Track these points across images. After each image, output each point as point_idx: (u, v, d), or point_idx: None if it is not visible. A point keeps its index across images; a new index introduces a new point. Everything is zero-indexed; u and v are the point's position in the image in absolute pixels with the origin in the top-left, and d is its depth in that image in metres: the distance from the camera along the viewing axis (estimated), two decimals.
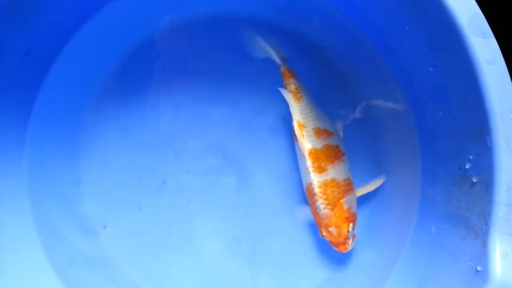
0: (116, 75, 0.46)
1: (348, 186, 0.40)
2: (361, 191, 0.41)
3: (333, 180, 0.39)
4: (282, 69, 0.42)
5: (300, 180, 0.43)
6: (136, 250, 0.47)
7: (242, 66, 0.46)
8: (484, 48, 0.29)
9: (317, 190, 0.39)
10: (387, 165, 0.44)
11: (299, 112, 0.40)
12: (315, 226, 0.42)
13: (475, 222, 0.31)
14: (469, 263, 0.31)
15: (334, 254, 0.44)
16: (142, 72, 0.46)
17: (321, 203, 0.39)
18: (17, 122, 0.44)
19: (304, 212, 0.43)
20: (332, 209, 0.39)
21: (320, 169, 0.39)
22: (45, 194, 0.46)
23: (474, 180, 0.32)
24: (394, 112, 0.43)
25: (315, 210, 0.40)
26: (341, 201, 0.39)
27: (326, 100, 0.44)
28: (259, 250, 0.46)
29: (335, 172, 0.40)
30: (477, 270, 0.30)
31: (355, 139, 0.44)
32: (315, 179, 0.39)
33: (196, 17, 0.46)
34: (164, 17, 0.45)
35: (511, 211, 0.29)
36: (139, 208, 0.47)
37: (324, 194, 0.39)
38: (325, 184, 0.39)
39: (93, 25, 0.44)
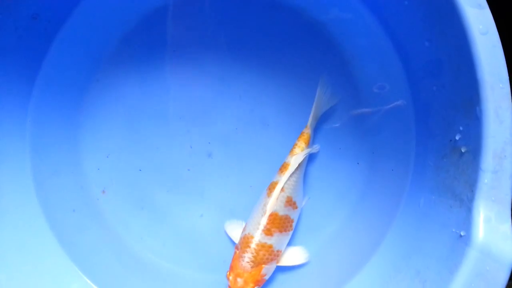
0: (122, 44, 0.47)
1: (276, 257, 0.43)
2: (281, 262, 0.43)
3: (270, 246, 0.42)
4: (306, 131, 0.44)
5: None
6: (133, 215, 0.48)
7: (254, 42, 0.47)
8: (478, 18, 0.30)
9: (253, 245, 0.41)
10: (381, 143, 0.44)
11: (287, 179, 0.42)
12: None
13: (461, 191, 0.32)
14: (453, 230, 0.32)
15: (325, 227, 0.46)
16: (148, 42, 0.47)
17: (248, 257, 0.41)
18: (22, 85, 0.45)
19: (233, 228, 0.45)
20: (252, 267, 0.41)
21: (268, 232, 0.42)
22: (46, 158, 0.47)
23: (462, 150, 0.33)
24: (392, 89, 0.43)
25: (238, 256, 0.42)
26: (264, 266, 0.41)
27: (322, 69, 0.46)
28: None
29: (277, 241, 0.42)
30: (461, 235, 0.31)
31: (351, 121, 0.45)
32: (259, 237, 0.42)
33: None
34: None
35: (496, 178, 0.30)
36: (140, 170, 0.48)
37: (256, 252, 0.41)
38: (262, 246, 0.41)
39: None
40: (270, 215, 0.42)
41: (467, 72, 0.31)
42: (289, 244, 0.45)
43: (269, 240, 0.42)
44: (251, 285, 0.41)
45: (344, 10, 0.44)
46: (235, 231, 0.45)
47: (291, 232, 0.43)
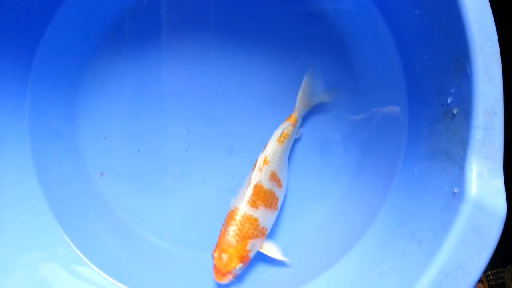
0: (119, 26, 0.47)
1: (262, 235, 0.42)
2: (266, 248, 0.43)
3: (256, 220, 0.42)
4: (294, 114, 0.45)
5: None
6: (132, 196, 0.48)
7: (249, 22, 0.47)
8: None
9: (238, 217, 0.41)
10: (375, 115, 0.45)
11: (272, 151, 0.43)
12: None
13: (454, 151, 0.33)
14: (447, 189, 0.32)
15: (323, 202, 0.46)
16: (146, 22, 0.47)
17: (233, 230, 0.41)
18: (20, 66, 0.45)
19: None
20: (237, 241, 0.41)
21: (253, 204, 0.42)
22: (45, 142, 0.47)
23: (454, 112, 0.33)
24: (383, 63, 0.44)
25: (223, 231, 0.42)
26: (249, 240, 0.41)
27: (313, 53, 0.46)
28: None
29: (262, 216, 0.42)
30: (454, 193, 0.31)
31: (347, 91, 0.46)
32: (244, 208, 0.41)
33: None
34: None
35: (488, 135, 0.30)
36: (138, 151, 0.48)
37: (241, 225, 0.41)
38: (248, 218, 0.41)
39: None
40: (255, 186, 0.42)
41: (457, 34, 0.32)
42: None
43: (255, 213, 0.41)
44: (236, 261, 0.40)
45: None
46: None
47: (276, 212, 0.43)
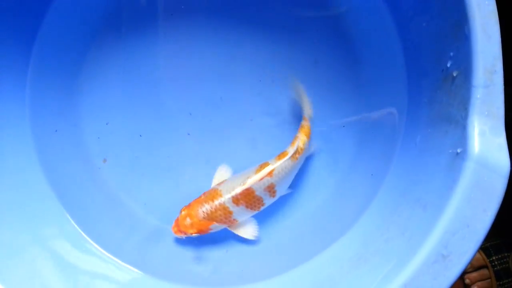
0: (117, 10, 0.47)
1: (230, 224, 0.44)
2: (232, 228, 0.44)
3: (230, 213, 0.43)
4: (304, 123, 0.44)
5: None
6: (135, 181, 0.48)
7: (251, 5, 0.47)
8: None
9: (216, 203, 0.43)
10: (372, 87, 0.45)
11: (282, 167, 0.42)
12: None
13: (455, 113, 0.33)
14: (450, 151, 0.32)
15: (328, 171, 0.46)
16: (144, 7, 0.47)
17: (206, 208, 0.43)
18: (21, 50, 0.45)
19: (221, 175, 0.46)
20: (203, 218, 0.43)
21: (236, 201, 0.42)
22: (47, 129, 0.47)
23: (454, 74, 0.33)
24: (380, 35, 0.44)
25: (200, 201, 0.44)
26: (215, 223, 0.43)
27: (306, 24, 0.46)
28: None
29: (238, 212, 0.43)
30: (457, 153, 0.31)
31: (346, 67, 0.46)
32: (225, 199, 0.42)
33: None
34: None
35: (488, 93, 0.30)
36: (140, 136, 0.48)
37: (215, 210, 0.43)
38: (224, 208, 0.43)
39: None
40: (247, 189, 0.42)
41: None
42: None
43: (232, 208, 0.42)
44: (195, 230, 0.43)
45: None
46: (218, 177, 0.46)
47: (255, 213, 0.44)
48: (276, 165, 0.42)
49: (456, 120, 0.32)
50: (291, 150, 0.43)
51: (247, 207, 0.43)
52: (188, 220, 0.43)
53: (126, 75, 0.48)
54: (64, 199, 0.46)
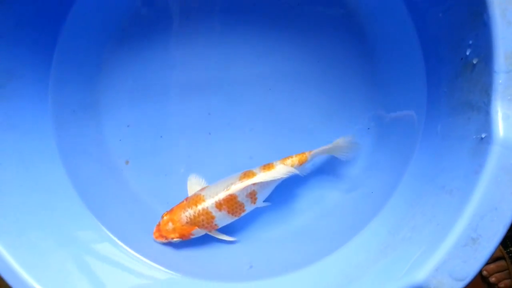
0: (138, 12, 0.48)
1: (211, 229, 0.45)
2: (213, 233, 0.45)
3: (212, 218, 0.44)
4: (308, 155, 0.44)
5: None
6: (158, 182, 0.49)
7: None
8: None
9: (199, 207, 0.44)
10: (391, 81, 0.46)
11: (267, 180, 0.43)
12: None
13: (477, 99, 0.33)
14: (474, 137, 0.33)
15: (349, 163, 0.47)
16: (164, 8, 0.48)
17: (189, 213, 0.44)
18: (42, 56, 0.46)
19: (194, 183, 0.47)
20: (186, 222, 0.44)
21: (219, 206, 0.44)
22: (69, 132, 0.48)
23: (474, 62, 0.34)
24: (395, 28, 0.45)
25: (183, 206, 0.45)
26: (197, 228, 0.44)
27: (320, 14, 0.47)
28: None
29: (220, 218, 0.44)
30: (482, 138, 0.32)
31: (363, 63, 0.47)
32: (208, 204, 0.44)
33: None
34: None
35: (510, 78, 0.31)
36: (161, 137, 0.49)
37: (198, 215, 0.44)
38: (206, 213, 0.44)
39: None
40: (230, 195, 0.43)
41: None
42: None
43: (215, 213, 0.43)
44: (177, 235, 0.44)
45: None
46: (193, 187, 0.47)
47: (235, 219, 0.45)
48: (260, 177, 0.43)
49: (479, 106, 0.33)
50: (279, 166, 0.44)
51: (229, 212, 0.44)
52: (170, 225, 0.44)
53: (145, 78, 0.49)
54: (89, 201, 0.46)
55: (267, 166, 0.44)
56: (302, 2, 0.47)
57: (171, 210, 0.45)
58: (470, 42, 0.34)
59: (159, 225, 0.45)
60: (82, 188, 0.47)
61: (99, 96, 0.49)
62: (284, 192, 0.47)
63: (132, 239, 0.46)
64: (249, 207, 0.45)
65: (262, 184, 0.43)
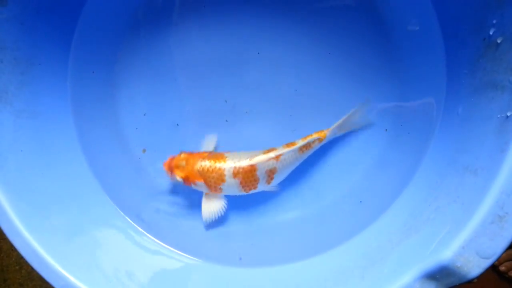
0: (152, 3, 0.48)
1: (214, 189, 0.44)
2: (206, 201, 0.45)
3: (222, 181, 0.43)
4: (327, 133, 0.44)
5: None
6: None
7: None
8: None
9: (218, 165, 0.43)
10: (409, 62, 0.45)
11: (289, 154, 0.43)
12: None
13: (502, 78, 0.33)
14: (498, 116, 0.33)
15: (367, 156, 0.47)
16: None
17: (204, 165, 0.43)
18: (60, 47, 0.46)
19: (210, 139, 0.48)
20: (197, 173, 0.43)
21: (235, 175, 0.43)
22: (88, 122, 0.48)
23: (498, 41, 0.34)
24: (413, 8, 0.44)
25: (203, 156, 0.44)
26: (202, 181, 0.44)
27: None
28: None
29: (228, 187, 0.43)
30: (507, 116, 0.32)
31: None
32: (227, 167, 0.43)
33: None
34: None
35: None
36: (177, 125, 0.49)
37: (212, 171, 0.43)
38: (220, 175, 0.43)
39: None
40: (251, 165, 0.42)
41: None
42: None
43: (228, 178, 0.43)
44: (182, 175, 0.44)
45: None
46: (208, 143, 0.47)
47: (242, 193, 0.44)
48: (283, 151, 0.43)
49: (503, 85, 0.33)
50: (300, 143, 0.44)
51: (240, 183, 0.43)
52: (183, 163, 0.44)
53: (160, 66, 0.49)
54: (109, 188, 0.47)
55: (290, 144, 0.44)
56: None
57: (191, 153, 0.45)
58: (494, 21, 0.34)
59: (173, 157, 0.45)
60: (101, 175, 0.47)
61: (116, 84, 0.49)
62: (304, 175, 0.47)
63: (151, 224, 0.46)
64: (261, 186, 0.44)
65: (284, 163, 0.43)
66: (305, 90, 0.48)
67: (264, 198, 0.47)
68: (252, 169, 0.43)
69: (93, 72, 0.48)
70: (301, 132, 0.47)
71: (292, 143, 0.44)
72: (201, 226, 0.47)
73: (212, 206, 0.45)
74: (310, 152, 0.45)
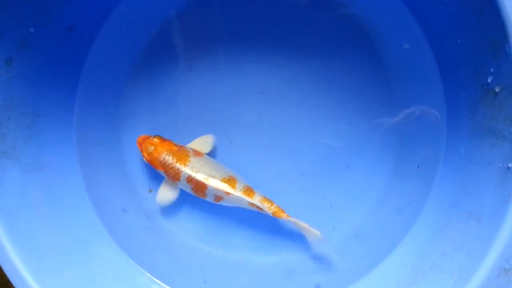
0: (153, 45, 0.49)
1: (170, 179, 0.47)
2: (162, 188, 0.48)
3: (178, 179, 0.46)
4: (285, 215, 0.45)
5: None
6: (181, 209, 0.50)
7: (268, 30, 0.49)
8: None
9: (178, 166, 0.45)
10: (409, 101, 0.46)
11: (238, 197, 0.44)
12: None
13: (501, 127, 0.34)
14: (500, 165, 0.33)
15: (370, 192, 0.47)
16: (177, 40, 0.49)
17: (168, 159, 0.46)
18: (65, 96, 0.47)
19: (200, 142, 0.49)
20: (160, 160, 0.46)
21: (190, 180, 0.45)
22: (94, 166, 0.48)
23: (497, 90, 0.34)
24: (412, 53, 0.45)
25: (173, 149, 0.46)
26: (158, 170, 0.47)
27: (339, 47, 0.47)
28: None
29: (182, 185, 0.46)
30: (509, 167, 0.32)
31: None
32: (188, 172, 0.45)
33: None
34: None
35: None
36: None
37: (171, 167, 0.46)
38: (177, 173, 0.45)
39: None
40: (203, 183, 0.44)
41: (490, 15, 0.33)
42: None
43: (183, 180, 0.45)
44: (147, 159, 0.47)
45: None
46: (199, 142, 0.48)
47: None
48: (236, 194, 0.44)
49: (503, 135, 0.33)
50: (255, 199, 0.44)
51: (192, 189, 0.46)
52: (151, 149, 0.46)
53: (164, 108, 0.49)
54: (117, 236, 0.47)
55: (248, 190, 0.45)
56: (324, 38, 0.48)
57: (165, 141, 0.47)
58: (492, 70, 0.35)
59: (148, 137, 0.47)
60: (109, 222, 0.48)
61: (120, 127, 0.50)
62: (306, 213, 0.48)
63: (162, 272, 0.47)
64: (209, 199, 0.46)
65: (230, 202, 0.45)
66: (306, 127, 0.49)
67: (269, 235, 0.47)
68: (204, 185, 0.45)
69: (98, 117, 0.49)
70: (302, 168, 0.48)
71: (251, 192, 0.45)
72: (211, 267, 0.48)
73: (167, 194, 0.48)
74: (258, 210, 0.45)
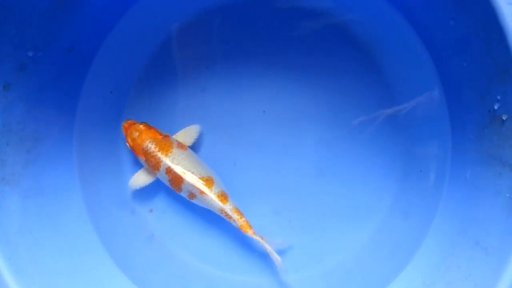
0: (152, 63, 0.48)
1: (149, 168, 0.47)
2: (138, 175, 0.48)
3: (157, 169, 0.46)
4: (251, 231, 0.45)
5: None
6: (184, 231, 0.49)
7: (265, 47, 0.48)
8: None
9: (160, 155, 0.45)
10: (413, 123, 0.46)
11: (212, 199, 0.45)
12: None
13: (508, 157, 0.33)
14: (507, 195, 0.33)
15: (376, 210, 0.47)
16: (177, 59, 0.49)
17: (150, 148, 0.45)
18: (65, 118, 0.46)
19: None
20: (142, 148, 0.46)
21: (169, 171, 0.45)
22: (94, 188, 0.48)
23: (504, 118, 0.34)
24: (418, 74, 0.45)
25: (158, 138, 0.46)
26: (140, 157, 0.47)
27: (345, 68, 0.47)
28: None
29: (161, 177, 0.46)
30: None
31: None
32: (168, 163, 0.45)
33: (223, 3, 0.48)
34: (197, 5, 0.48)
35: None
36: None
37: (152, 156, 0.45)
38: (157, 162, 0.45)
39: (130, 18, 0.47)
40: (181, 177, 0.44)
41: (497, 42, 0.32)
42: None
43: (162, 170, 0.45)
44: (130, 144, 0.47)
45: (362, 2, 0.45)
46: (186, 133, 0.48)
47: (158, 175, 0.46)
48: (210, 196, 0.45)
49: (510, 164, 0.33)
50: (227, 207, 0.45)
51: (169, 181, 0.45)
52: (136, 135, 0.46)
53: (162, 130, 0.49)
54: (118, 258, 0.47)
55: (222, 196, 0.45)
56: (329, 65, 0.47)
57: (151, 128, 0.47)
58: (499, 97, 0.34)
59: (135, 123, 0.47)
60: (110, 244, 0.47)
61: (120, 148, 0.49)
62: (307, 238, 0.47)
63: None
64: (184, 194, 0.46)
65: (203, 202, 0.45)
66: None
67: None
68: (180, 179, 0.45)
69: (98, 138, 0.48)
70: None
71: (225, 198, 0.45)
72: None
73: (142, 179, 0.47)
74: (227, 219, 0.45)
